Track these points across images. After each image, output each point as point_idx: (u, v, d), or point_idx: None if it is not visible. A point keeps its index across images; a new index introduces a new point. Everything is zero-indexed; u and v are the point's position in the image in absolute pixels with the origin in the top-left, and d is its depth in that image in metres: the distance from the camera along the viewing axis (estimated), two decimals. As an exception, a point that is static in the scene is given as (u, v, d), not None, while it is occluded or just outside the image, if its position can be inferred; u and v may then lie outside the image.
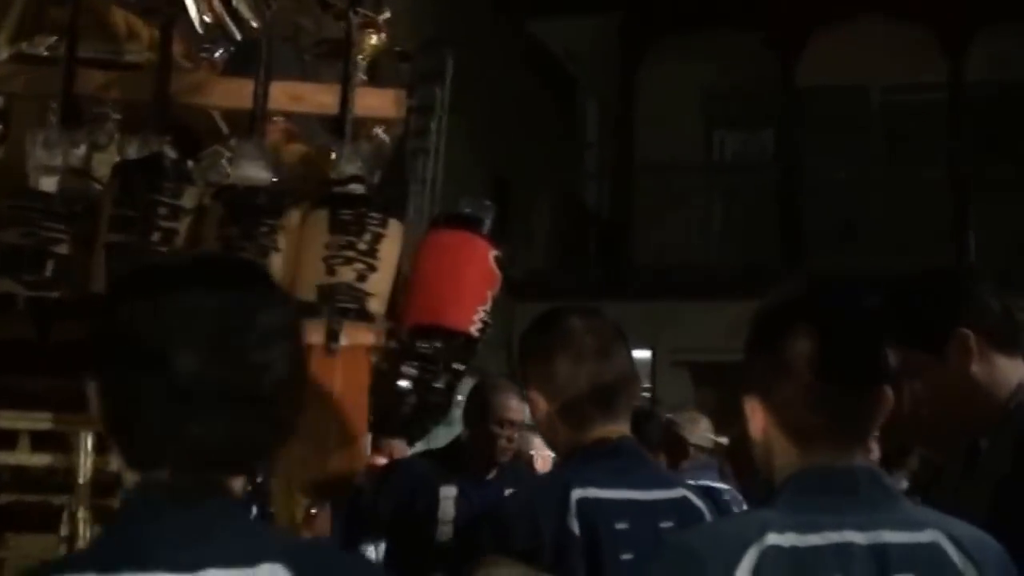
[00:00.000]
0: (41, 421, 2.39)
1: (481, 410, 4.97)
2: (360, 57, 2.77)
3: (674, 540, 2.04)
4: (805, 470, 1.87)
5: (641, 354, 14.01)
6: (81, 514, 2.35)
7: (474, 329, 2.57)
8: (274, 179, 2.45)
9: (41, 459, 2.41)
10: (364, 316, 2.38)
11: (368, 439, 2.65)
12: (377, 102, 2.70)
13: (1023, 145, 13.30)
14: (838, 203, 14.32)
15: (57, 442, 2.40)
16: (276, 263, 2.34)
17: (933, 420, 2.32)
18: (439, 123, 2.89)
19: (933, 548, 1.83)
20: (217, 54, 2.89)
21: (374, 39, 2.87)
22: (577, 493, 2.44)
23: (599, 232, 15.77)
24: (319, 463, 2.39)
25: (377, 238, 2.39)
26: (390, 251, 2.42)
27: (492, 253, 2.63)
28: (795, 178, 14.40)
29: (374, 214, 2.39)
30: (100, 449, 2.35)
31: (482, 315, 2.57)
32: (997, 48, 13.57)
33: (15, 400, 2.39)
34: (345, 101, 2.55)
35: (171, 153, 2.48)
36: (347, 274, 2.38)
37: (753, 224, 14.34)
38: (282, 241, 2.37)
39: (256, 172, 2.43)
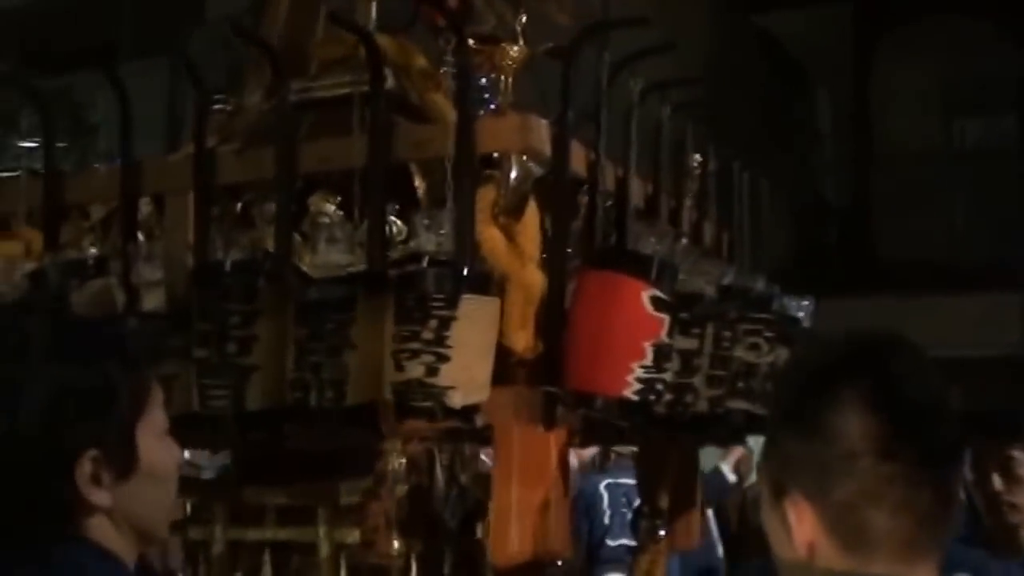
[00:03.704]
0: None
1: None
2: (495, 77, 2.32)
3: None
4: None
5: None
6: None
7: (630, 392, 2.05)
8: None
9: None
10: (440, 415, 1.95)
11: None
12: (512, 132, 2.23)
13: None
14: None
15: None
16: (352, 362, 1.92)
17: None
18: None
19: None
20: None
21: (513, 51, 2.40)
22: None
23: (839, 225, 15.02)
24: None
25: (445, 323, 1.97)
26: (469, 333, 2.01)
27: (647, 294, 2.10)
28: (1042, 165, 13.31)
29: (438, 295, 1.93)
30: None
31: (640, 373, 2.05)
32: None
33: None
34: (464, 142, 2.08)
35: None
36: (415, 369, 1.95)
37: (998, 213, 13.30)
38: (359, 334, 1.96)
39: (338, 255, 2.01)
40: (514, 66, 2.37)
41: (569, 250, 2.36)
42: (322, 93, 2.60)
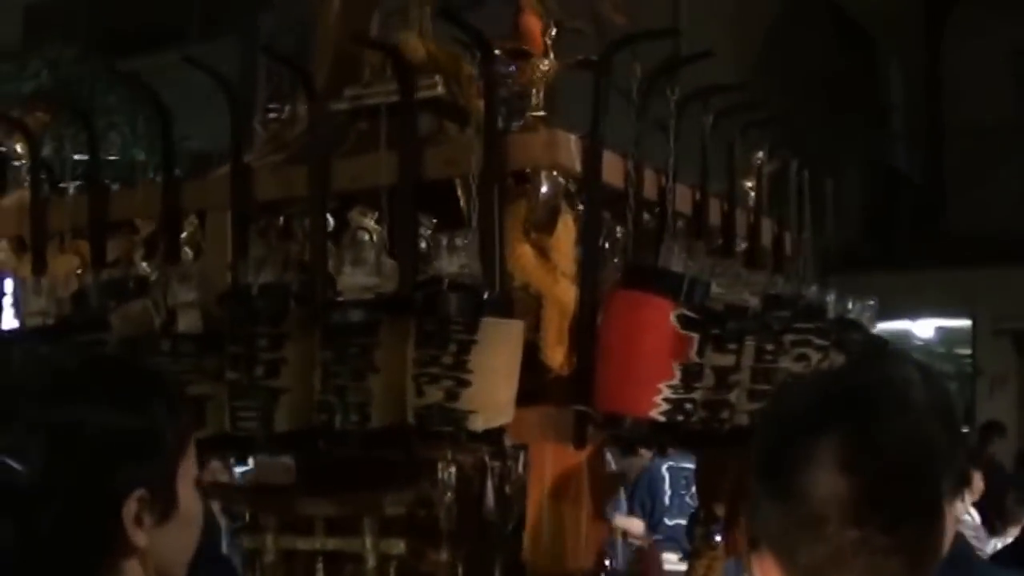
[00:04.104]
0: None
1: None
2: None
3: None
4: None
5: (960, 323, 13.07)
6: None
7: (657, 412, 2.02)
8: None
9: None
10: (463, 439, 1.92)
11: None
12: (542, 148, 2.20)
13: None
14: None
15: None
16: (376, 385, 1.90)
17: None
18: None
19: None
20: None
21: (543, 64, 2.36)
22: None
23: (911, 198, 14.78)
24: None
25: (465, 347, 1.93)
26: (490, 357, 1.98)
27: (675, 312, 2.06)
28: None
29: (457, 320, 1.91)
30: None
31: (668, 393, 2.02)
32: None
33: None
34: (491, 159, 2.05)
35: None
36: (435, 394, 1.92)
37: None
38: (382, 358, 1.94)
39: (364, 278, 1.99)
40: (544, 80, 2.34)
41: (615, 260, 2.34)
42: (373, 100, 2.58)
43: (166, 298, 2.38)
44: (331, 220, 2.48)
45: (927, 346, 14.64)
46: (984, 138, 13.45)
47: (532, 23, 3.15)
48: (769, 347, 2.40)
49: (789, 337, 2.54)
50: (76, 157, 3.14)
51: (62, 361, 1.56)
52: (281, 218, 2.65)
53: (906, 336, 14.17)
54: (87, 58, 11.07)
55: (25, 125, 2.98)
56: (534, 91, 2.33)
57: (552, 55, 2.36)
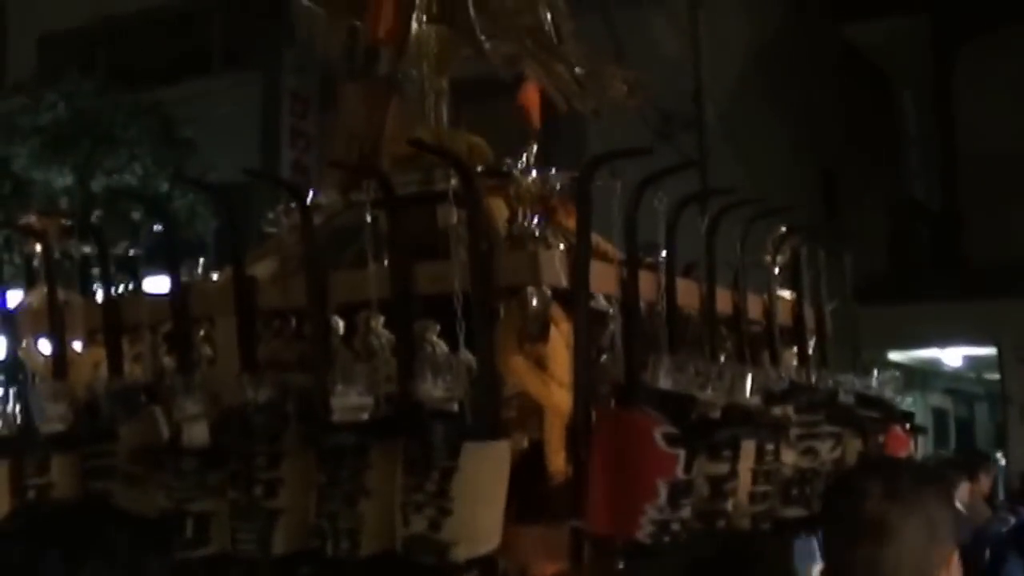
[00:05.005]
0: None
1: None
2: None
3: None
4: None
5: (986, 351, 12.99)
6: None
7: (643, 534, 2.02)
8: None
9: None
10: (451, 570, 1.92)
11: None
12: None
13: None
14: None
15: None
16: (367, 511, 1.91)
17: None
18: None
19: None
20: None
21: (527, 182, 2.39)
22: None
23: (932, 228, 14.75)
24: None
25: (447, 474, 1.93)
26: (473, 483, 1.97)
27: (660, 430, 2.05)
28: None
29: (439, 445, 1.92)
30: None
31: (653, 515, 2.02)
32: None
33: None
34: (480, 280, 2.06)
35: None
36: (419, 523, 1.94)
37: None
38: (373, 482, 1.95)
39: (357, 398, 2.01)
40: (529, 197, 2.36)
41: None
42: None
43: (172, 412, 2.40)
44: (340, 323, 2.51)
45: (957, 373, 14.62)
46: (997, 167, 13.38)
47: (532, 98, 3.19)
48: (770, 447, 2.40)
49: (795, 431, 2.54)
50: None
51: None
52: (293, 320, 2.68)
53: (936, 364, 14.16)
54: (106, 90, 10.99)
55: (38, 231, 3.03)
56: (519, 209, 2.34)
57: (534, 172, 2.37)
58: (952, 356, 14.21)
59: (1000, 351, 12.68)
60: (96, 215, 9.95)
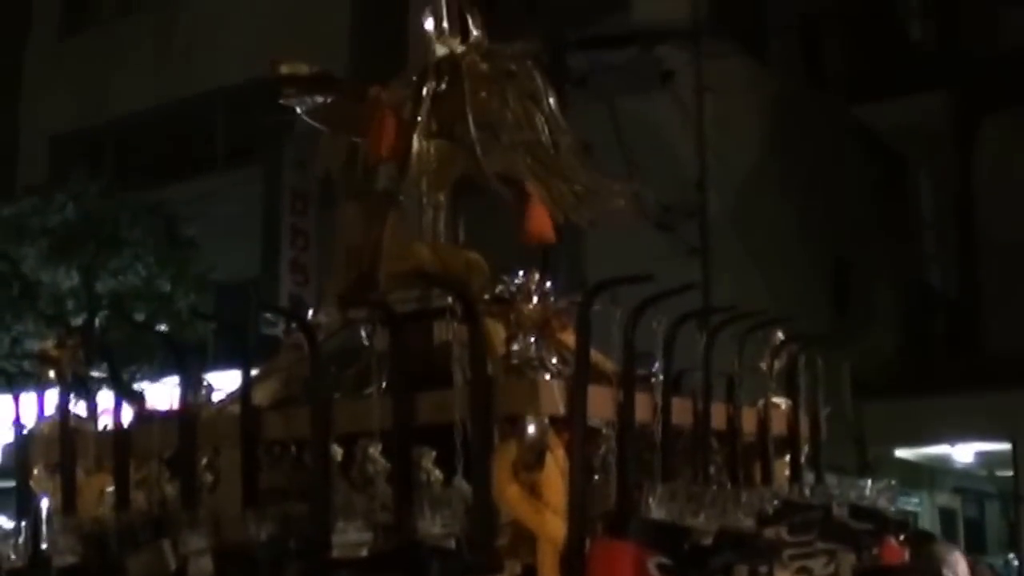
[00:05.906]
0: None
1: None
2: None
3: None
4: None
5: (1000, 446, 12.59)
6: None
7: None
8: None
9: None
10: None
11: None
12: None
13: None
14: None
15: None
16: None
17: None
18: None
19: None
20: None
21: (527, 309, 2.44)
22: None
23: (947, 315, 14.53)
24: None
25: None
26: None
27: (653, 561, 2.08)
28: None
29: None
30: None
31: (650, 641, 2.03)
32: None
33: None
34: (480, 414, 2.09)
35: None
36: None
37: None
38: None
39: (356, 534, 2.03)
40: (531, 323, 2.40)
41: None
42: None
43: (177, 545, 2.42)
44: (339, 451, 2.54)
45: (967, 470, 14.17)
46: (1017, 255, 13.26)
47: (540, 215, 3.20)
48: (763, 569, 2.40)
49: (788, 552, 2.54)
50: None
51: None
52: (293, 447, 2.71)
53: (945, 460, 13.73)
54: (112, 192, 11.15)
55: (54, 358, 3.08)
56: (521, 335, 2.38)
57: (535, 300, 2.42)
58: (963, 452, 13.67)
59: (1015, 446, 12.28)
60: (101, 316, 10.07)
